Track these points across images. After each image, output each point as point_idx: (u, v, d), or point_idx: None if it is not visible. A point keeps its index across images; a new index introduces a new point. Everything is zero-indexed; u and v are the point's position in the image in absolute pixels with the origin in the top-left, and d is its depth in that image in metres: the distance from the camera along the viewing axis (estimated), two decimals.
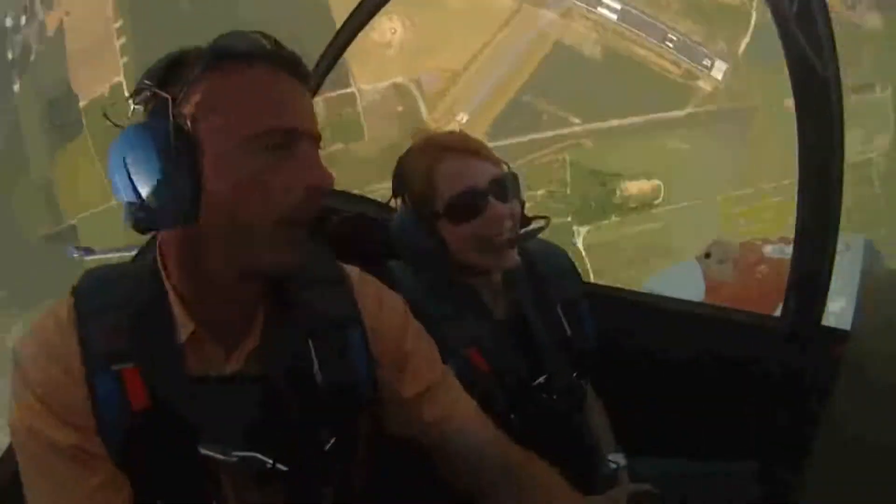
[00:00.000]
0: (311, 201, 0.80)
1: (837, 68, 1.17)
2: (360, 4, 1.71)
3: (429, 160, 1.23)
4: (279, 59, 0.81)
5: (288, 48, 0.83)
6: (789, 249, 1.71)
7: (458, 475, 1.01)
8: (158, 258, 0.88)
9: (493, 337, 1.24)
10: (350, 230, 1.58)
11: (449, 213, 1.20)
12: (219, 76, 0.78)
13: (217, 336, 0.88)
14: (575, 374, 1.33)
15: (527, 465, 1.01)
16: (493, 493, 0.99)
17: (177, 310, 0.86)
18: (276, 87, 0.80)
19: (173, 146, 0.75)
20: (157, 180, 0.76)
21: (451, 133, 1.30)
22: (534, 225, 1.34)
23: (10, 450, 1.13)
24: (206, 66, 0.78)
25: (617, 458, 1.32)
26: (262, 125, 0.77)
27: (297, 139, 0.80)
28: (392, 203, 1.33)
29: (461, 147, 1.23)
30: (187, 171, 0.76)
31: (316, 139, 0.84)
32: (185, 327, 0.86)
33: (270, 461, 0.86)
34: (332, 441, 0.93)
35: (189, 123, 0.77)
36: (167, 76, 0.80)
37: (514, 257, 1.23)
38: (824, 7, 1.07)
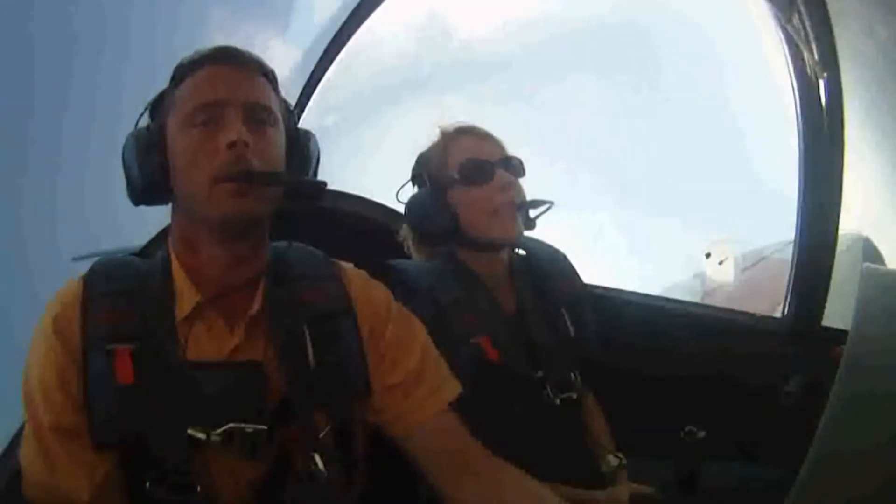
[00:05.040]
0: (235, 158, 0.89)
1: (838, 69, 1.18)
2: (358, 5, 1.72)
3: (445, 140, 1.37)
4: (221, 58, 0.95)
5: (238, 50, 0.97)
6: (789, 249, 1.71)
7: (420, 471, 1.01)
8: (169, 241, 0.99)
9: (502, 328, 1.27)
10: (348, 230, 1.59)
11: (461, 176, 1.30)
12: (179, 84, 0.95)
13: (220, 309, 0.95)
14: (574, 375, 1.34)
15: (489, 464, 1.00)
16: (454, 490, 0.97)
17: (181, 283, 0.95)
18: (210, 75, 0.94)
19: (145, 141, 0.94)
20: (136, 165, 0.93)
21: (465, 123, 1.41)
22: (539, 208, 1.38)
23: (9, 449, 1.14)
24: (172, 80, 0.96)
25: (615, 457, 1.33)
26: (192, 104, 0.91)
27: (223, 109, 0.91)
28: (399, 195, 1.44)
29: (474, 130, 1.37)
30: (154, 157, 0.92)
31: (250, 107, 0.93)
32: (188, 300, 0.94)
33: (251, 427, 0.89)
34: (328, 429, 0.95)
35: (161, 123, 0.95)
36: (158, 96, 0.98)
37: (520, 228, 1.31)
38: (824, 9, 1.07)
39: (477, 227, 1.30)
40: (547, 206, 1.36)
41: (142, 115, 0.99)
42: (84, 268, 1.01)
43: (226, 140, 0.88)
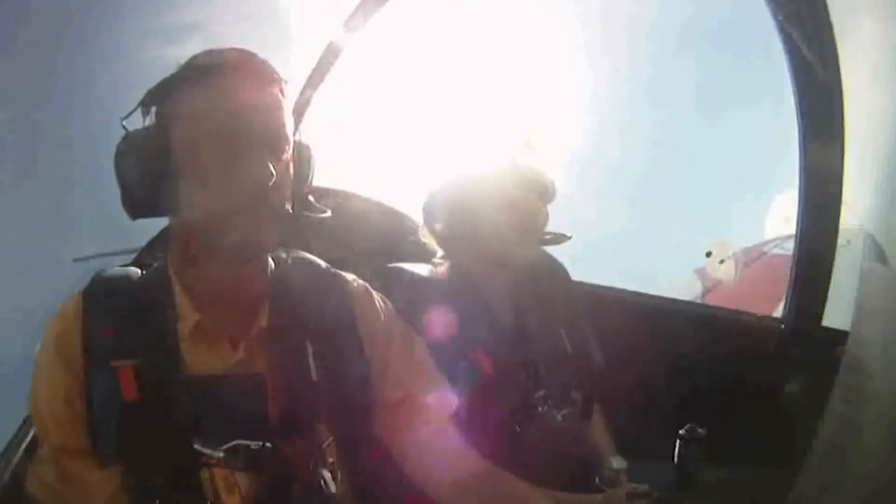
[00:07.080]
0: (254, 195, 0.86)
1: (838, 69, 1.18)
2: (353, 13, 1.72)
3: None
4: (241, 70, 0.89)
5: (258, 59, 0.91)
6: (789, 245, 1.70)
7: (419, 484, 1.03)
8: (168, 255, 0.96)
9: (499, 342, 1.27)
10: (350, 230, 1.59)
11: None
12: (189, 88, 0.88)
13: (222, 326, 0.93)
14: (573, 391, 1.33)
15: (488, 477, 1.01)
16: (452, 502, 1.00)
17: (181, 301, 0.92)
18: (232, 95, 0.88)
19: (152, 148, 0.87)
20: (140, 175, 0.87)
21: None
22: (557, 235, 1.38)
23: (9, 448, 1.14)
24: (181, 79, 0.89)
25: (616, 461, 1.33)
26: (213, 125, 0.86)
27: (247, 139, 0.86)
28: None
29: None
30: (163, 170, 0.86)
31: (273, 137, 0.89)
32: (189, 318, 0.92)
33: (254, 444, 0.89)
34: (330, 441, 0.95)
35: (164, 129, 0.88)
36: (160, 90, 0.90)
37: (537, 251, 1.34)
38: (825, 9, 1.07)
39: (499, 238, 1.29)
40: (568, 236, 1.36)
41: (137, 108, 0.90)
42: (84, 267, 0.99)
43: (250, 178, 0.85)
